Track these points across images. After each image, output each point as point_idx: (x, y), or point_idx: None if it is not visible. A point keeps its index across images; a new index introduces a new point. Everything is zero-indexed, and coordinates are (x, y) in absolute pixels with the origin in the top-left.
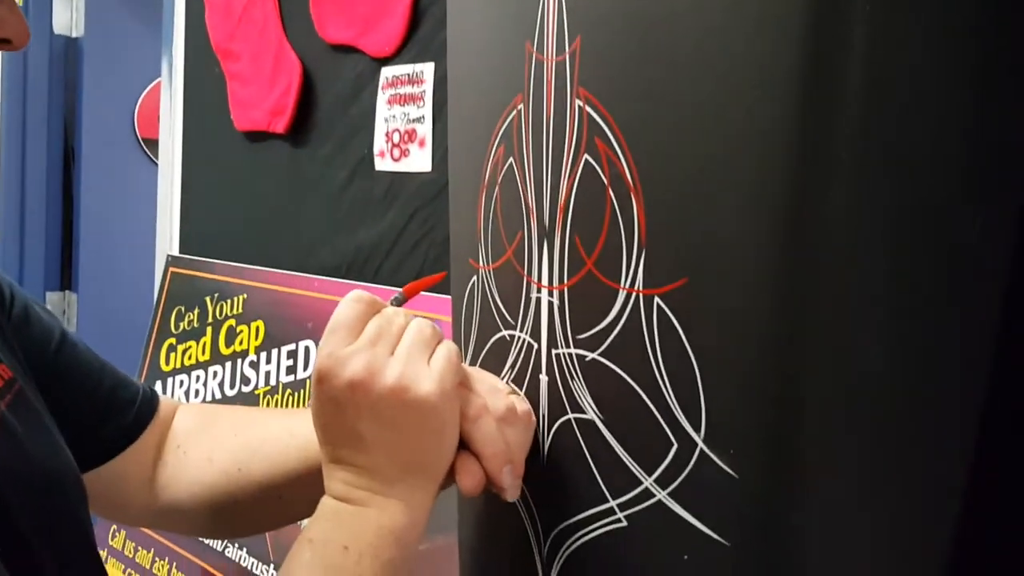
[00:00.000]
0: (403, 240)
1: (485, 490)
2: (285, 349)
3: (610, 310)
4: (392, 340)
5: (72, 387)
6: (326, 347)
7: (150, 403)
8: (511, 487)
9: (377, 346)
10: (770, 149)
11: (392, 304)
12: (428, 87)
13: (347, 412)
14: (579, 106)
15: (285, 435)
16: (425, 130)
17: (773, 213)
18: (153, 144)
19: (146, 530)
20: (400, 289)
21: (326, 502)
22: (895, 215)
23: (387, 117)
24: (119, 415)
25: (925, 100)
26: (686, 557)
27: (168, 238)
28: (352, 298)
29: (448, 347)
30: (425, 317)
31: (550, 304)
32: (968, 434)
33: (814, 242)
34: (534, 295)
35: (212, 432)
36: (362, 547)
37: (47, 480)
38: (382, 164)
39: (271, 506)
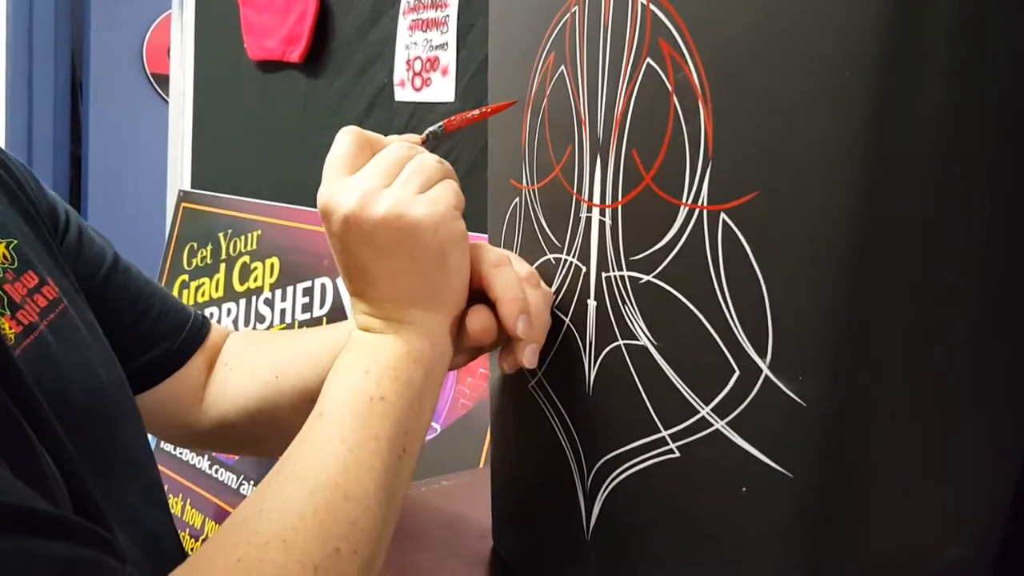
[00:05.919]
0: None
1: (498, 344)
2: (301, 286)
3: (669, 229)
4: (390, 172)
5: (117, 312)
6: (324, 184)
7: (200, 330)
8: (527, 348)
9: (374, 178)
10: (858, 47)
11: (429, 136)
12: (452, 11)
13: (348, 246)
14: (642, 4)
15: (317, 340)
16: (449, 58)
17: (858, 118)
18: (162, 80)
19: (162, 467)
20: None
21: (352, 335)
22: (997, 122)
23: (408, 44)
24: (165, 341)
25: None
26: (744, 489)
27: (180, 172)
28: (343, 131)
29: (450, 182)
30: None
31: (601, 224)
32: None
33: (902, 150)
34: (584, 215)
35: (256, 349)
36: (381, 369)
37: (84, 397)
38: (402, 94)
39: (308, 412)
